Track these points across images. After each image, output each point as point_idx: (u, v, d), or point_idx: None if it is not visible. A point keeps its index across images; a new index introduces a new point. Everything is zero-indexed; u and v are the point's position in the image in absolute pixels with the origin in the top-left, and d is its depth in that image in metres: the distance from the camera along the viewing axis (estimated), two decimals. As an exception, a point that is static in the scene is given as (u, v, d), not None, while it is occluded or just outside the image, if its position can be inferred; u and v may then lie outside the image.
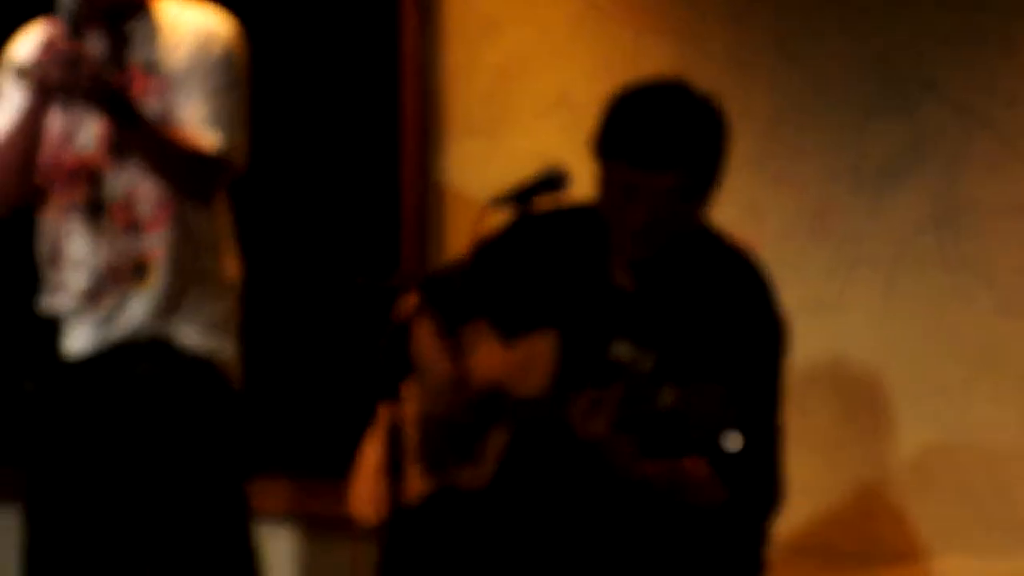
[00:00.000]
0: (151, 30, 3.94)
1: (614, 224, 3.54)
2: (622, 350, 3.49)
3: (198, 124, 3.84)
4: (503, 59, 4.64)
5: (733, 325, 3.52)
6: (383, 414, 3.44)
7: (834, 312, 4.32)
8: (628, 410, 3.29)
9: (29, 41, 3.96)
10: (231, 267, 4.04)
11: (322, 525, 4.66)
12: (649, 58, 4.27)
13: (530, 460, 3.55)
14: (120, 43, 3.93)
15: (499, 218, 3.52)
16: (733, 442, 3.17)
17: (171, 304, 3.88)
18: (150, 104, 3.81)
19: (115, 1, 3.90)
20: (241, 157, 3.93)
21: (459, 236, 4.47)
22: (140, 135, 3.80)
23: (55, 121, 3.88)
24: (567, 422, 3.36)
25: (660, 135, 3.48)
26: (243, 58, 3.97)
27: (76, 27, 3.71)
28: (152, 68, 3.87)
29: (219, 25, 3.93)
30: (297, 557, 4.85)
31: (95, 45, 3.88)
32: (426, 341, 3.74)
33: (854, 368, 4.43)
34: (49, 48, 3.62)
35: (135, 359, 3.92)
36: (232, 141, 3.87)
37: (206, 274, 3.93)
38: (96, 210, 3.90)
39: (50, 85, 3.67)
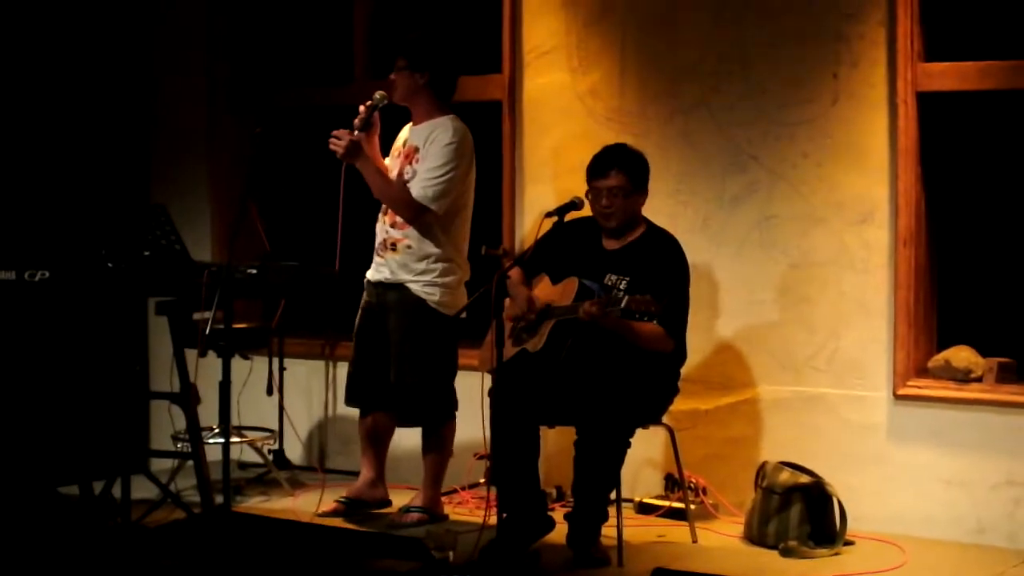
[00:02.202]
0: (425, 130, 5.61)
1: (596, 213, 5.25)
2: (611, 278, 5.21)
3: (417, 181, 5.52)
4: (552, 144, 6.36)
5: (664, 267, 5.24)
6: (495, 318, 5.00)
7: (712, 265, 6.04)
8: (606, 306, 4.86)
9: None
10: (442, 255, 5.59)
11: (470, 368, 5.74)
12: (618, 141, 5.61)
13: (562, 334, 5.22)
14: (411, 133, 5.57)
15: (549, 223, 5.18)
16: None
17: (404, 267, 5.63)
18: (413, 165, 5.52)
19: (410, 107, 5.58)
20: (435, 205, 5.50)
21: (531, 233, 6.00)
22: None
23: (392, 167, 5.51)
24: (579, 314, 4.96)
25: (609, 158, 5.31)
26: (462, 152, 5.52)
27: (371, 114, 5.45)
28: (418, 150, 5.60)
29: (455, 131, 5.52)
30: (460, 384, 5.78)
31: (408, 131, 5.59)
32: (515, 284, 5.39)
33: (721, 290, 6.06)
34: (333, 134, 5.45)
35: (388, 290, 5.70)
36: (428, 195, 5.50)
37: (424, 255, 5.60)
38: (386, 212, 5.62)
39: (332, 150, 5.47)
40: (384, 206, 5.75)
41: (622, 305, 4.78)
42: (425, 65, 5.60)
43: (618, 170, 5.29)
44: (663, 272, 5.21)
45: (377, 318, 5.78)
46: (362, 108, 5.55)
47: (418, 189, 5.55)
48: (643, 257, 5.27)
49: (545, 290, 5.44)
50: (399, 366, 5.65)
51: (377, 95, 5.55)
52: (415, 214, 5.54)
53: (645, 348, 5.11)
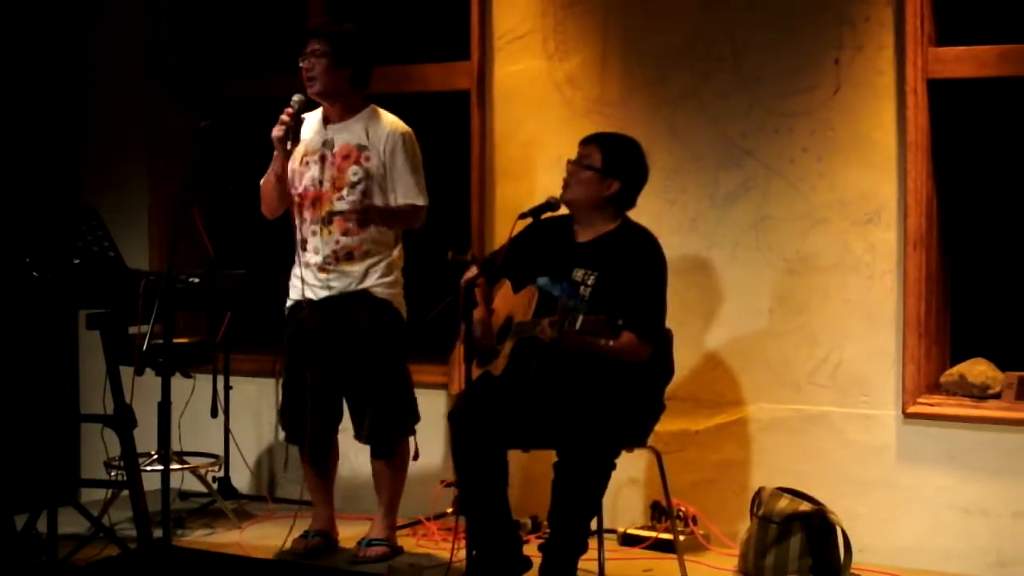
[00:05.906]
0: (357, 125, 5.48)
1: (563, 187, 5.15)
2: (578, 273, 5.07)
3: (410, 185, 5.43)
4: (525, 138, 6.22)
5: (635, 263, 5.07)
6: (462, 328, 5.02)
7: (703, 270, 5.88)
8: (562, 327, 4.67)
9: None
10: (395, 256, 5.53)
11: (436, 387, 6.07)
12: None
13: (526, 355, 5.02)
14: (332, 129, 5.48)
15: (522, 225, 5.15)
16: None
17: (367, 274, 5.47)
18: (362, 165, 5.40)
19: (333, 103, 5.45)
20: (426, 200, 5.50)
21: (502, 235, 5.63)
22: (375, 214, 5.37)
23: (305, 173, 5.45)
24: (539, 336, 4.81)
25: (599, 134, 5.25)
26: (417, 146, 5.51)
27: (298, 113, 5.34)
28: (363, 148, 5.44)
29: (404, 127, 5.47)
30: (426, 402, 5.81)
31: (322, 131, 5.48)
32: (478, 310, 5.12)
33: (712, 298, 5.88)
34: (279, 124, 5.33)
35: (349, 303, 5.49)
36: (424, 193, 5.47)
37: (383, 256, 5.50)
38: (328, 222, 5.45)
39: (279, 140, 5.34)
40: (323, 217, 5.52)
41: (577, 326, 4.59)
42: (350, 60, 5.44)
43: (597, 145, 5.20)
44: (634, 268, 5.06)
45: (329, 339, 5.55)
46: (286, 117, 5.37)
47: (416, 192, 5.48)
48: (614, 252, 5.13)
49: (506, 300, 5.26)
50: (379, 378, 5.49)
51: (296, 99, 5.38)
52: (420, 222, 5.54)
53: (618, 359, 4.90)
